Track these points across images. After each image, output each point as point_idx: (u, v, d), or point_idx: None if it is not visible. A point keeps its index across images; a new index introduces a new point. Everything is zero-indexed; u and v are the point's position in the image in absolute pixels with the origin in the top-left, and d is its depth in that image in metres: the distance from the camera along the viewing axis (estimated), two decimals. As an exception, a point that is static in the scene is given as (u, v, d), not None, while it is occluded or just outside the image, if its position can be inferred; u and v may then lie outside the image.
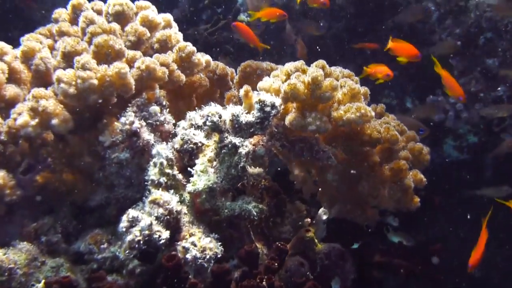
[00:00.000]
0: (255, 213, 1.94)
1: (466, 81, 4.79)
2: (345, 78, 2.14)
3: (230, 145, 1.93)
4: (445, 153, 5.14)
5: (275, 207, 2.40)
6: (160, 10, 2.33)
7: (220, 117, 1.92)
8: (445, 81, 3.11)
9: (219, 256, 1.81)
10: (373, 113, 2.06)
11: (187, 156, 2.00)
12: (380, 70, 3.03)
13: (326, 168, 2.20)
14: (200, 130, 2.00)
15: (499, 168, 4.97)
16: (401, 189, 2.08)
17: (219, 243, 1.87)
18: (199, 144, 2.01)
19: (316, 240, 2.32)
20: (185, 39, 2.33)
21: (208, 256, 1.78)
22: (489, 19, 4.42)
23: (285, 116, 2.06)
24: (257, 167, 2.05)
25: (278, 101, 1.99)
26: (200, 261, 1.77)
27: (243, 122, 1.97)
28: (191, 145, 2.00)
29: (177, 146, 2.00)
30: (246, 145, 1.96)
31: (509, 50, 4.62)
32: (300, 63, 2.17)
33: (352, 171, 2.16)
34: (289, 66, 2.18)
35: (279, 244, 1.85)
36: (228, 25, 3.47)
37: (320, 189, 2.32)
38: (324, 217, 2.43)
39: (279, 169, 2.60)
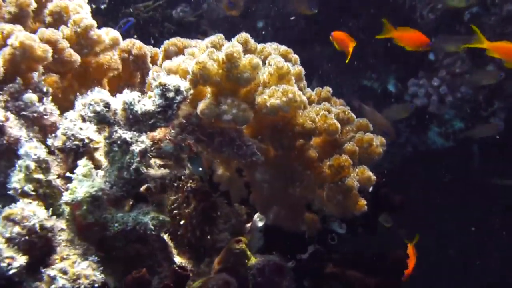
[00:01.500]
0: (152, 227, 1.53)
1: (451, 61, 4.37)
2: (275, 56, 1.72)
3: (119, 141, 1.52)
4: (430, 140, 4.74)
5: (203, 213, 2.00)
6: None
7: (106, 106, 1.52)
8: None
9: (97, 285, 1.41)
10: (304, 98, 1.65)
11: (71, 157, 1.60)
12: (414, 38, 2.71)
13: (254, 166, 1.79)
14: (91, 123, 1.59)
15: (487, 155, 4.57)
16: (341, 191, 1.68)
17: (101, 268, 1.47)
18: (86, 141, 1.61)
19: (249, 253, 1.92)
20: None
21: (82, 287, 1.39)
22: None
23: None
24: (162, 168, 1.64)
25: (184, 85, 1.59)
26: (72, 293, 1.38)
27: (139, 112, 1.56)
28: (76, 142, 1.60)
29: (58, 143, 1.60)
30: (142, 141, 1.56)
31: (497, 26, 4.19)
32: (217, 37, 1.76)
33: (284, 170, 1.75)
34: (206, 41, 1.77)
35: (177, 268, 1.45)
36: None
37: (251, 191, 1.91)
38: (260, 224, 2.03)
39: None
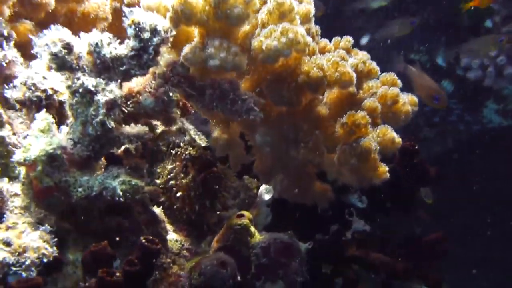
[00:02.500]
0: (120, 192, 1.28)
1: (510, 29, 3.90)
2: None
3: (81, 90, 1.27)
4: (485, 118, 4.28)
5: (203, 184, 1.73)
6: None
7: (67, 47, 1.27)
8: None
9: (48, 259, 1.17)
10: (309, 39, 1.35)
11: (34, 112, 1.36)
12: None
13: (254, 126, 1.51)
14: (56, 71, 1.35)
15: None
16: (356, 154, 1.37)
17: (55, 240, 1.22)
18: (50, 92, 1.37)
19: (252, 230, 1.64)
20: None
21: (28, 262, 1.15)
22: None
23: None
24: (139, 126, 1.39)
25: (163, 24, 1.32)
26: (15, 269, 1.14)
27: (108, 56, 1.31)
28: (37, 94, 1.36)
29: (17, 95, 1.37)
30: (111, 90, 1.30)
31: None
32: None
33: (288, 131, 1.45)
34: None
35: (144, 241, 1.18)
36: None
37: (255, 157, 1.63)
38: (267, 197, 1.75)
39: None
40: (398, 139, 1.46)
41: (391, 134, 1.46)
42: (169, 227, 1.76)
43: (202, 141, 1.96)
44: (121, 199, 1.28)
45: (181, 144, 1.84)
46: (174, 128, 1.91)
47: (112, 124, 1.28)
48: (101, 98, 1.27)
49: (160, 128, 1.93)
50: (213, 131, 1.62)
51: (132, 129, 1.37)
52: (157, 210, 1.69)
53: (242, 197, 1.97)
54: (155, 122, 2.00)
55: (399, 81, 1.59)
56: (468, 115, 4.25)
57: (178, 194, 1.78)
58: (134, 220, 1.53)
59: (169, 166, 1.83)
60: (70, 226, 1.40)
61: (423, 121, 4.36)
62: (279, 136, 1.49)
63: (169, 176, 1.81)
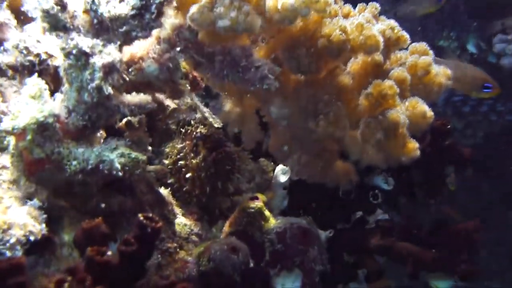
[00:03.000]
0: (118, 166, 1.15)
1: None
2: None
3: (75, 52, 1.14)
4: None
5: (214, 164, 1.60)
6: None
7: (60, 4, 1.14)
8: None
9: (36, 238, 1.05)
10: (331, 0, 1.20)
11: (27, 77, 1.24)
12: None
13: (269, 98, 1.36)
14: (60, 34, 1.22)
15: None
16: (382, 127, 1.22)
17: (44, 216, 1.10)
18: (44, 57, 1.25)
19: (266, 213, 1.50)
20: None
21: (13, 240, 1.03)
22: None
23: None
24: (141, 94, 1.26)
25: (167, -19, 1.18)
26: (-1, 247, 1.02)
27: (106, 15, 1.18)
28: (30, 58, 1.24)
29: (8, 59, 1.25)
30: (109, 53, 1.17)
31: None
32: None
33: (306, 103, 1.31)
34: None
35: (142, 218, 1.04)
36: None
37: (271, 134, 1.49)
38: (283, 179, 1.60)
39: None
40: (430, 113, 1.31)
41: (422, 106, 1.30)
42: (177, 210, 1.63)
43: (215, 122, 1.83)
44: (119, 173, 1.15)
45: (192, 122, 1.71)
46: (184, 105, 1.78)
47: (110, 90, 1.15)
48: (98, 60, 1.14)
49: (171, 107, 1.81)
50: (225, 104, 1.48)
51: (133, 97, 1.24)
52: (165, 191, 1.55)
53: (257, 181, 1.83)
54: (167, 102, 1.89)
55: (431, 52, 1.43)
56: (501, 105, 4.02)
57: (188, 175, 1.64)
58: (138, 200, 1.39)
59: (179, 146, 1.70)
60: (66, 204, 1.27)
61: (451, 111, 4.15)
62: (296, 108, 1.35)
63: (178, 156, 1.68)
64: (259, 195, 1.53)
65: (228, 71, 1.29)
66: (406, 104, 1.31)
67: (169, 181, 1.69)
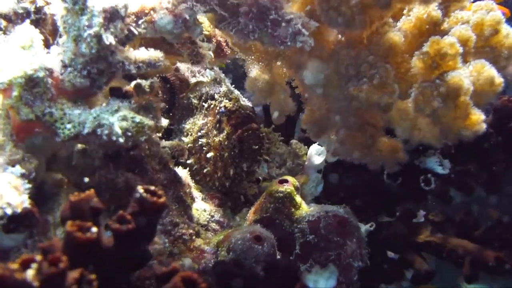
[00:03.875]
0: (119, 131, 0.96)
1: None
2: None
3: (72, -6, 0.96)
4: None
5: (239, 143, 1.40)
6: None
7: None
8: None
9: (15, 211, 0.87)
10: None
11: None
12: None
13: (303, 61, 1.15)
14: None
15: None
16: (439, 94, 0.99)
17: (27, 186, 0.92)
18: (40, 4, 1.07)
19: (297, 199, 1.29)
20: None
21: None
22: None
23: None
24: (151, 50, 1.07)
25: None
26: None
27: (112, -47, 0.99)
28: (24, 5, 1.07)
29: (1, 8, 1.07)
30: (110, -4, 0.98)
31: None
32: None
33: (347, 65, 1.09)
34: None
35: (141, 190, 0.85)
36: None
37: (304, 105, 1.28)
38: (318, 161, 1.38)
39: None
40: (499, 80, 1.08)
41: (490, 71, 1.07)
42: (197, 194, 1.43)
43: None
44: (120, 140, 0.96)
45: (216, 96, 1.51)
46: (207, 76, 1.59)
47: (111, 39, 0.96)
48: (97, 4, 0.95)
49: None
50: (250, 70, 1.27)
51: (141, 53, 1.05)
52: (183, 172, 1.36)
53: (289, 166, 1.62)
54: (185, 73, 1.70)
55: (498, 11, 1.19)
56: None
57: (209, 155, 1.45)
58: (149, 178, 1.20)
59: (200, 122, 1.50)
60: (63, 178, 1.09)
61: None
62: (335, 72, 1.13)
63: (199, 134, 1.49)
64: (289, 178, 1.32)
65: (254, 26, 1.09)
66: (470, 69, 1.08)
67: (188, 162, 1.50)
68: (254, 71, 1.26)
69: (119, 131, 0.96)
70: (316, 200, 1.41)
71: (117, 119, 0.98)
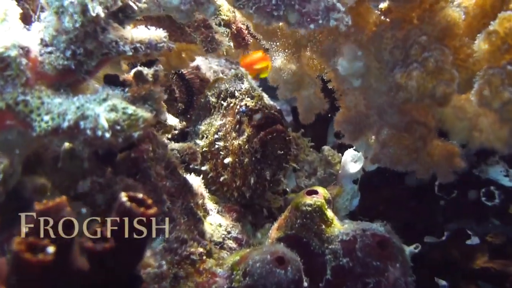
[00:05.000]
0: (105, 124, 0.76)
1: None
2: None
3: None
4: None
5: (262, 147, 1.19)
6: None
7: None
8: None
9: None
10: None
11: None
12: None
13: (337, 44, 0.95)
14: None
15: None
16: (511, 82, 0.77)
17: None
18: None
19: (329, 214, 1.08)
20: None
21: None
22: None
23: None
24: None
25: None
26: None
27: None
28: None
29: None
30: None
31: None
32: None
33: (392, 49, 0.89)
34: None
35: (124, 198, 0.65)
36: None
37: (338, 102, 1.07)
38: (354, 168, 1.17)
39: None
40: None
41: None
42: (211, 205, 1.24)
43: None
44: (107, 135, 0.76)
45: (236, 94, 1.31)
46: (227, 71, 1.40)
47: (99, 10, 0.78)
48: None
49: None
50: (274, 59, 1.06)
51: (140, 32, 0.86)
52: (196, 179, 1.16)
53: (319, 176, 1.42)
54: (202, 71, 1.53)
55: None
56: None
57: (227, 161, 1.25)
58: (152, 185, 1.01)
59: (217, 123, 1.31)
60: (45, 183, 0.90)
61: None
62: (376, 58, 0.92)
63: (215, 136, 1.29)
64: (320, 189, 1.11)
65: (278, 1, 0.88)
66: (548, 54, 0.85)
67: (203, 168, 1.31)
68: (279, 59, 1.06)
69: (106, 124, 0.77)
70: (351, 215, 1.20)
71: (104, 109, 0.79)
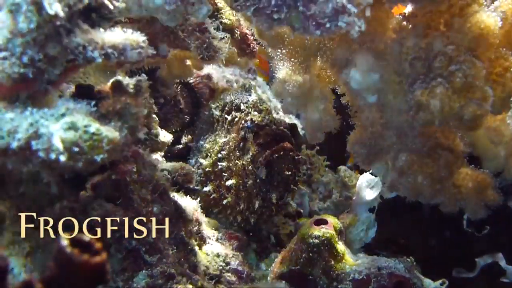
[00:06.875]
0: (60, 146, 0.64)
1: None
2: None
3: None
4: None
5: (268, 167, 1.05)
6: None
7: None
8: None
9: None
10: None
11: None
12: None
13: (348, 53, 0.81)
14: None
15: None
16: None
17: None
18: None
19: (340, 247, 0.93)
20: None
21: None
22: None
23: None
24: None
25: None
26: None
27: None
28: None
29: None
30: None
31: None
32: None
33: (414, 58, 0.74)
34: None
35: (64, 243, 0.52)
36: None
37: (354, 120, 0.93)
38: (370, 195, 1.03)
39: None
40: None
41: None
42: (210, 232, 1.10)
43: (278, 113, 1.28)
44: (62, 158, 0.64)
45: (242, 107, 1.18)
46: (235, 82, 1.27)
47: (57, 8, 0.66)
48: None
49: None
50: (279, 69, 0.93)
51: (113, 35, 0.73)
52: (191, 203, 1.03)
53: (335, 199, 1.27)
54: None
55: None
56: None
57: (229, 183, 1.11)
58: (135, 211, 0.88)
59: (221, 140, 1.17)
60: (5, 210, 0.79)
61: None
62: (395, 71, 0.77)
63: (219, 155, 1.16)
64: (329, 218, 0.97)
65: (279, 1, 0.75)
66: None
67: (206, 189, 1.18)
68: (283, 70, 0.91)
69: (60, 146, 0.65)
70: (366, 248, 1.05)
71: (60, 127, 0.66)
